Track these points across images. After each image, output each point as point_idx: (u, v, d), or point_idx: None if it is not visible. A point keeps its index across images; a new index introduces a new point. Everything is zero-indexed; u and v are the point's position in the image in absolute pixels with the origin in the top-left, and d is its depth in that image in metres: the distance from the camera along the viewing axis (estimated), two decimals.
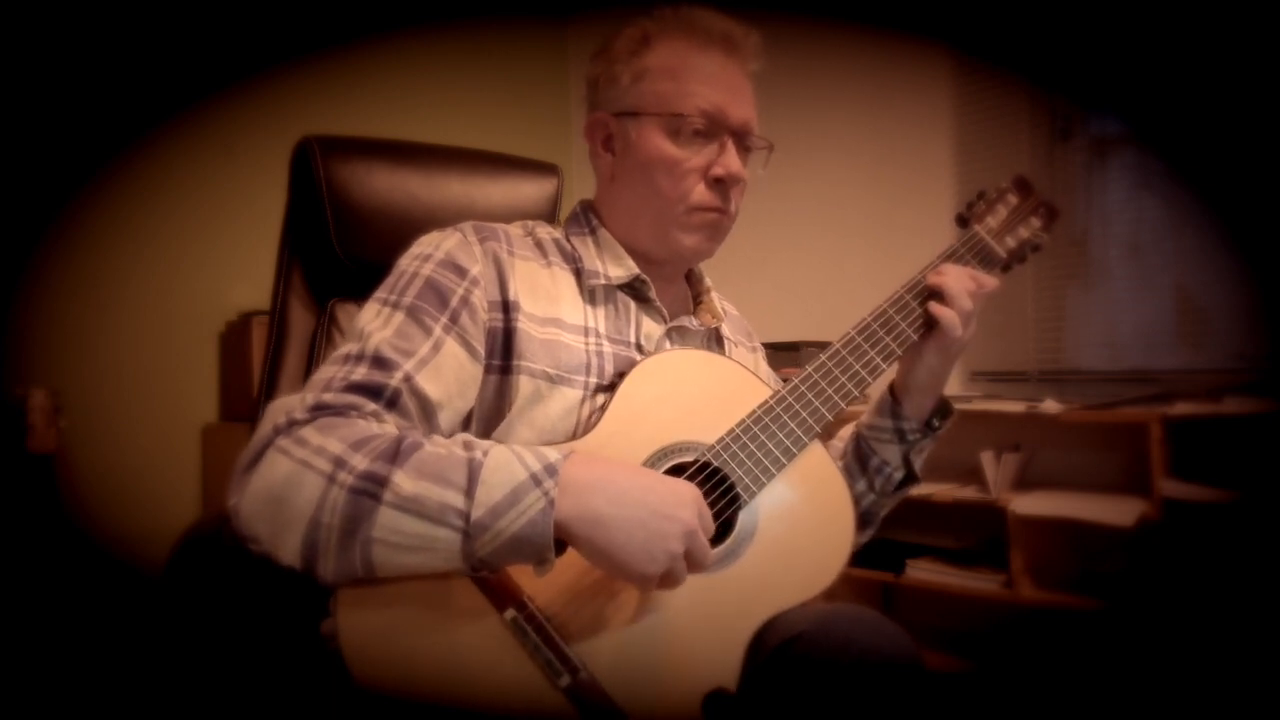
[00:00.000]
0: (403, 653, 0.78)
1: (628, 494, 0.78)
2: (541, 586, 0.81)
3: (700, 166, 0.98)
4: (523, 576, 0.81)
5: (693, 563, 0.80)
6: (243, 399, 2.49)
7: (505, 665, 0.79)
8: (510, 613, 0.80)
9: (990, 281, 1.01)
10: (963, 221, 1.08)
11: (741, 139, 1.00)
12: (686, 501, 0.80)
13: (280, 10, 2.68)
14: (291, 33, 2.70)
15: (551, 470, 0.76)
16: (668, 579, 0.79)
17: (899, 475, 1.08)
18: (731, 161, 0.98)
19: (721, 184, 0.98)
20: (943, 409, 1.07)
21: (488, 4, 3.27)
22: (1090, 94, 2.43)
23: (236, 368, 2.55)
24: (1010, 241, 1.08)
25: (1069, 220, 2.47)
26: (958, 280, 0.99)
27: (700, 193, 0.98)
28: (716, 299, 1.11)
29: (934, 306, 0.98)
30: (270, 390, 1.18)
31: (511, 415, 0.90)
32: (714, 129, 0.97)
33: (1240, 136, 2.13)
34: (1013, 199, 1.09)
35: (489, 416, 0.91)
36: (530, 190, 1.33)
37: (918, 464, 1.09)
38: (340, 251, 1.20)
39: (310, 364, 1.19)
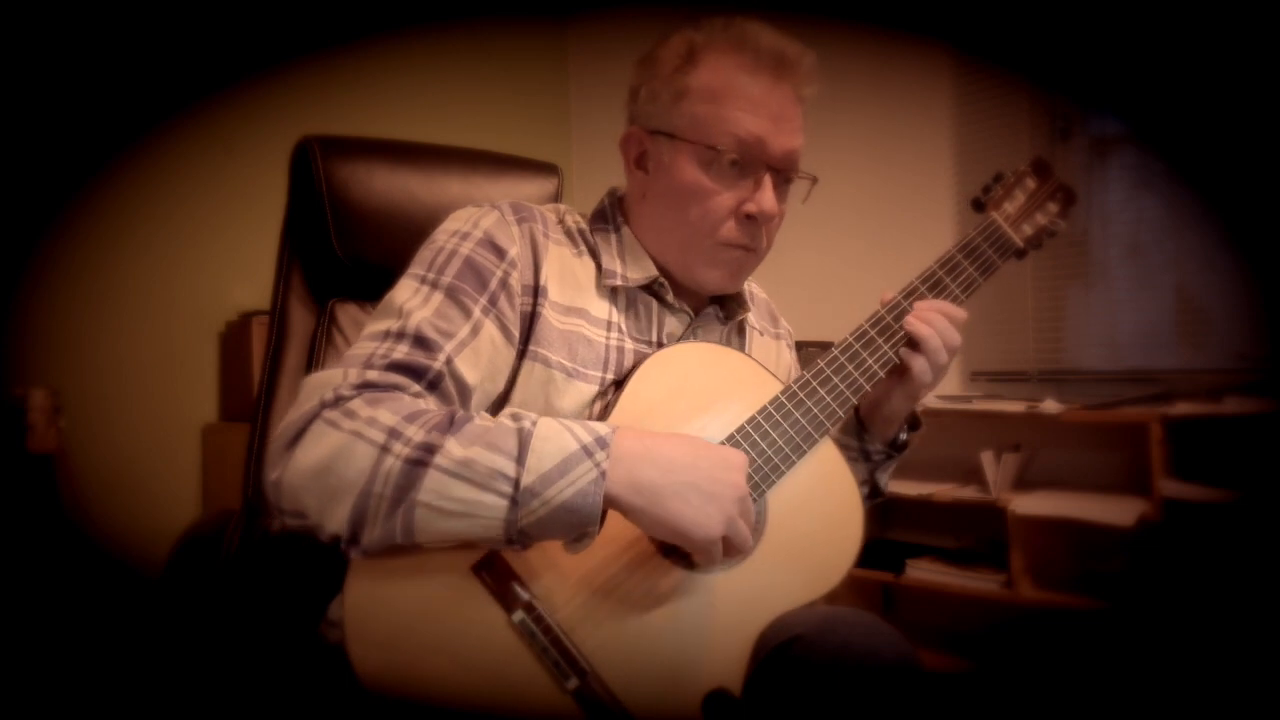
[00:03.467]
0: (409, 653, 0.78)
1: (678, 461, 0.78)
2: (550, 587, 0.81)
3: (732, 203, 0.93)
4: (531, 578, 0.81)
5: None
6: (243, 399, 2.49)
7: (513, 667, 0.79)
8: (518, 614, 0.79)
9: (960, 314, 0.97)
10: (979, 206, 1.03)
11: (781, 171, 0.95)
12: (736, 465, 0.80)
13: (280, 10, 2.68)
14: (291, 33, 2.70)
15: (603, 443, 0.76)
16: (730, 545, 0.79)
17: (865, 490, 1.07)
18: (765, 200, 0.92)
19: (753, 221, 0.94)
20: (912, 424, 1.06)
21: (488, 4, 3.27)
22: (1090, 94, 2.43)
23: (236, 368, 2.55)
24: (1027, 229, 1.03)
25: (1069, 220, 2.47)
26: (935, 335, 0.94)
27: (729, 229, 0.94)
28: (745, 283, 1.07)
29: (907, 354, 0.95)
30: (270, 390, 1.18)
31: (516, 404, 0.89)
32: (751, 162, 0.92)
33: (1240, 136, 2.13)
34: (1031, 183, 1.04)
35: (497, 400, 0.90)
36: (530, 190, 1.33)
37: (882, 480, 1.08)
38: (340, 251, 1.20)
39: (310, 364, 1.19)
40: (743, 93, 0.91)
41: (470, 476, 0.73)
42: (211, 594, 1.09)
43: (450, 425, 0.76)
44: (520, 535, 0.75)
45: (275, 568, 1.06)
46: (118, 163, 2.39)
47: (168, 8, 2.46)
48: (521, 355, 0.90)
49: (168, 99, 2.46)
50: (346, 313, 1.22)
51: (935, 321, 0.95)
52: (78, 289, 2.37)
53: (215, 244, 2.59)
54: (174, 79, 2.47)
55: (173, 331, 2.55)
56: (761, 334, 1.11)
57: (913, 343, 0.95)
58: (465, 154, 1.33)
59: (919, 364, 0.94)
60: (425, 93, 3.07)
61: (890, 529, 2.67)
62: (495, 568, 0.80)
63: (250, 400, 1.47)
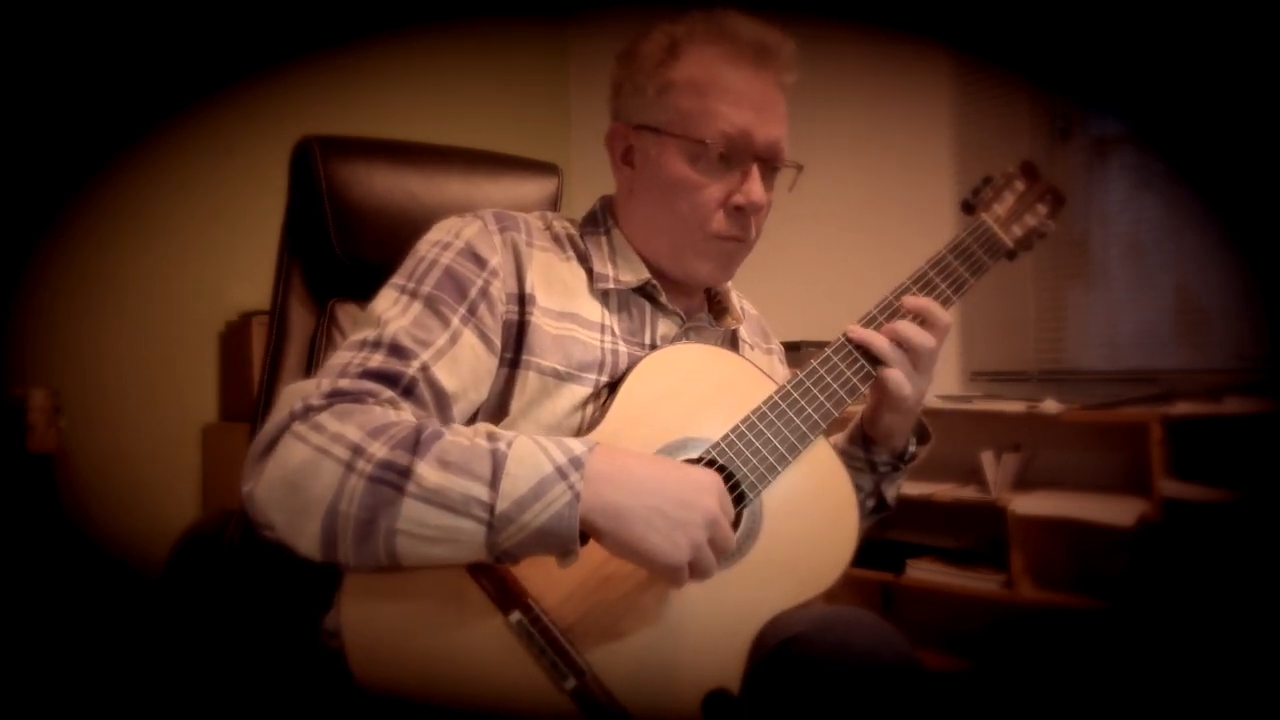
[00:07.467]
0: (406, 655, 0.78)
1: (646, 484, 0.77)
2: (546, 588, 0.81)
3: (721, 195, 0.94)
4: (528, 579, 0.81)
5: (716, 550, 0.79)
6: (243, 399, 2.49)
7: (510, 668, 0.79)
8: (515, 615, 0.79)
9: (942, 317, 0.95)
10: (968, 208, 1.04)
11: (767, 161, 0.95)
12: (706, 488, 0.79)
13: (280, 10, 2.68)
14: (291, 33, 2.70)
15: (577, 463, 0.75)
16: (696, 568, 0.79)
17: (870, 503, 1.06)
18: (754, 190, 0.93)
19: (742, 212, 0.94)
20: (920, 436, 1.05)
21: (488, 4, 3.27)
22: (1090, 94, 2.43)
23: (236, 368, 2.55)
24: (1017, 230, 1.04)
25: (1069, 220, 2.47)
26: (886, 344, 0.93)
27: (719, 221, 0.94)
28: (736, 298, 1.09)
29: (881, 369, 0.93)
30: (270, 390, 1.17)
31: (514, 413, 0.89)
32: (738, 154, 0.93)
33: (1240, 136, 2.13)
34: (1020, 185, 1.05)
35: (493, 410, 0.90)
36: (530, 190, 1.33)
37: (889, 493, 1.06)
38: (340, 251, 1.20)
39: (310, 364, 1.19)
40: (726, 85, 0.92)
41: (445, 503, 0.73)
42: (211, 594, 1.09)
43: (417, 443, 0.75)
44: (505, 555, 0.75)
45: (275, 568, 1.06)
46: (118, 163, 2.39)
47: (168, 8, 2.46)
48: (515, 365, 0.90)
49: (168, 99, 2.46)
50: (346, 313, 1.21)
51: (900, 329, 0.93)
52: (78, 289, 2.38)
53: (215, 244, 2.59)
54: (174, 79, 2.47)
55: (173, 331, 2.55)
56: (753, 348, 1.11)
57: (880, 364, 0.94)
58: (465, 154, 1.33)
59: (892, 376, 0.93)
60: (425, 93, 3.07)
61: (890, 529, 2.67)
62: (491, 570, 0.80)
63: (250, 400, 1.47)
